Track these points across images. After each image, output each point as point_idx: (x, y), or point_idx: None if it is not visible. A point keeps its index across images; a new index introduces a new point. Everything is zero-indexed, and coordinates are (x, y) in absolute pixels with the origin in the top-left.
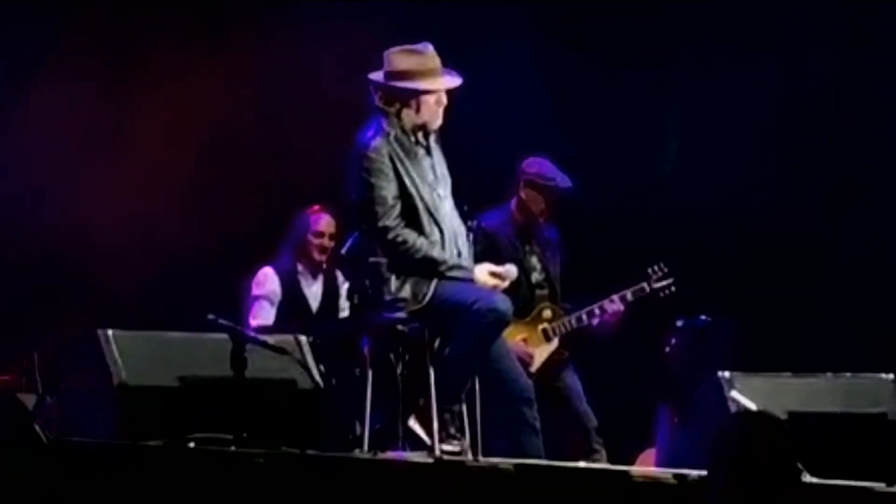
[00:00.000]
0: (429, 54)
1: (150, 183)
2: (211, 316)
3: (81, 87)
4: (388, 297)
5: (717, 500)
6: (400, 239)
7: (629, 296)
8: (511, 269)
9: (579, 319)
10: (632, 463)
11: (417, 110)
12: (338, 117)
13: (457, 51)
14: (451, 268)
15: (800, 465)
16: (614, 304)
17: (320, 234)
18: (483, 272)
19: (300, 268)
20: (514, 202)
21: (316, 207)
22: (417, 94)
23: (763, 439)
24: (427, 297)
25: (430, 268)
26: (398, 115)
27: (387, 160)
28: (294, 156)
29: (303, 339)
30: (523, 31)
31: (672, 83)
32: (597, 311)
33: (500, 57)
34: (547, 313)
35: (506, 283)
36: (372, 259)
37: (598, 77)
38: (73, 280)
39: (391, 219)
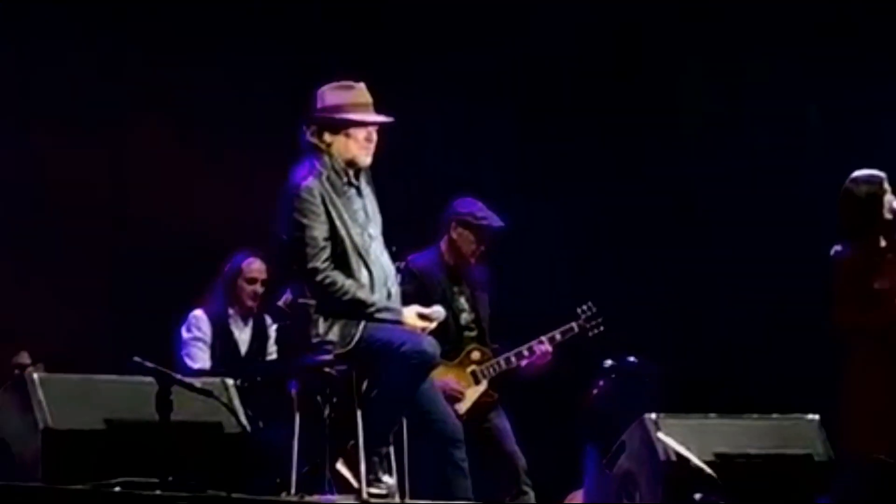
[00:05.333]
0: (361, 90)
1: None
2: (136, 358)
3: None
4: (315, 340)
5: None
6: (328, 281)
7: (558, 336)
8: (439, 311)
9: (508, 361)
10: None
11: (347, 144)
12: None
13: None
14: (380, 310)
15: None
16: (543, 346)
17: (252, 281)
18: (411, 314)
19: (231, 312)
20: (443, 243)
21: (247, 252)
22: (349, 124)
23: None
24: (355, 340)
25: (358, 310)
26: (329, 150)
27: (319, 201)
28: None
29: (229, 382)
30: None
31: None
32: (525, 353)
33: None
34: (475, 355)
35: (433, 325)
36: (300, 300)
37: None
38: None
39: (321, 260)
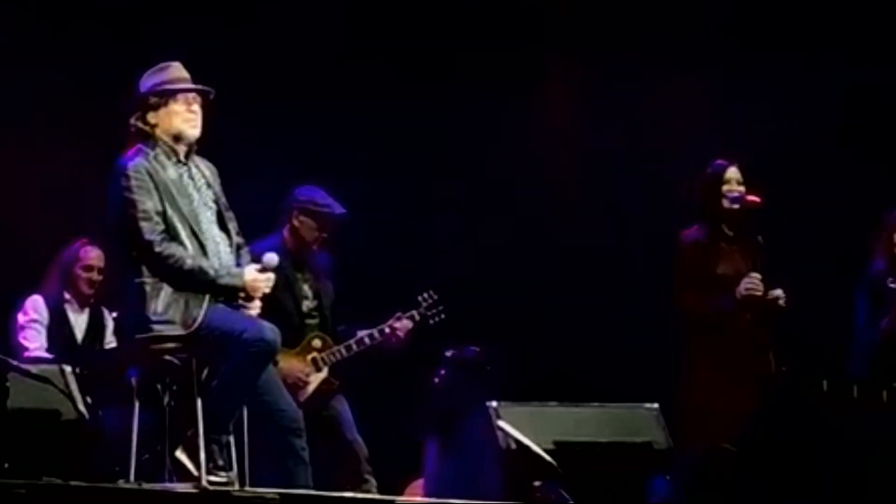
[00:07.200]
0: (177, 66)
1: None
2: None
3: None
4: (154, 318)
5: None
6: (167, 252)
7: (401, 323)
8: (270, 257)
9: (349, 349)
10: (401, 493)
11: (170, 119)
12: None
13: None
14: (221, 276)
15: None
16: (398, 323)
17: (89, 268)
18: (251, 272)
19: (67, 297)
20: (286, 230)
21: (85, 240)
22: (166, 95)
23: None
24: (197, 322)
25: (200, 279)
26: (155, 132)
27: (146, 177)
28: None
29: (67, 369)
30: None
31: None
32: (367, 341)
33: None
34: (317, 343)
35: (272, 276)
36: (137, 280)
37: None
38: None
39: (156, 233)
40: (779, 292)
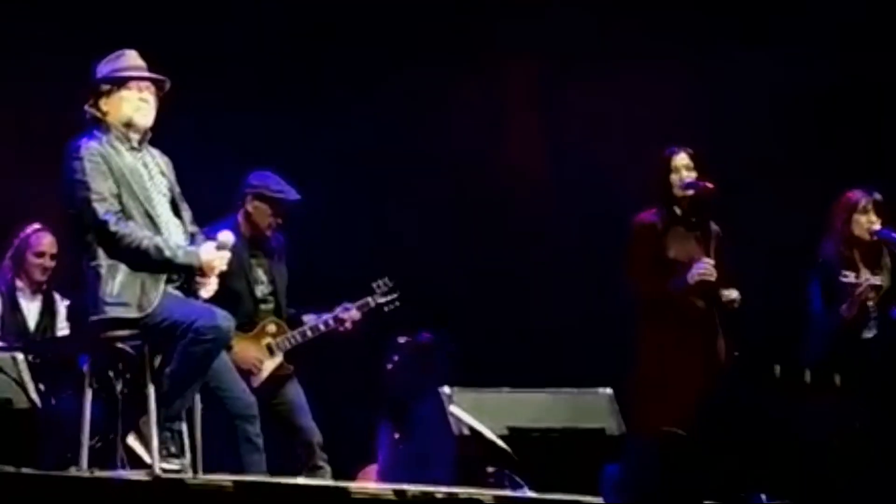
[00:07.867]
0: (130, 54)
1: None
2: None
3: None
4: (109, 300)
5: None
6: (122, 231)
7: (355, 313)
8: (226, 235)
9: (303, 335)
10: (354, 478)
11: (121, 106)
12: None
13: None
14: (178, 254)
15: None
16: (348, 312)
17: (41, 255)
18: (208, 250)
19: (19, 284)
20: (240, 215)
21: (37, 226)
22: (119, 82)
23: None
24: (152, 306)
25: (157, 258)
26: (107, 119)
27: (100, 158)
28: None
29: (20, 357)
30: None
31: None
32: (321, 327)
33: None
34: (271, 328)
35: (227, 254)
36: (92, 263)
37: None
38: None
39: (112, 213)
40: (734, 294)
